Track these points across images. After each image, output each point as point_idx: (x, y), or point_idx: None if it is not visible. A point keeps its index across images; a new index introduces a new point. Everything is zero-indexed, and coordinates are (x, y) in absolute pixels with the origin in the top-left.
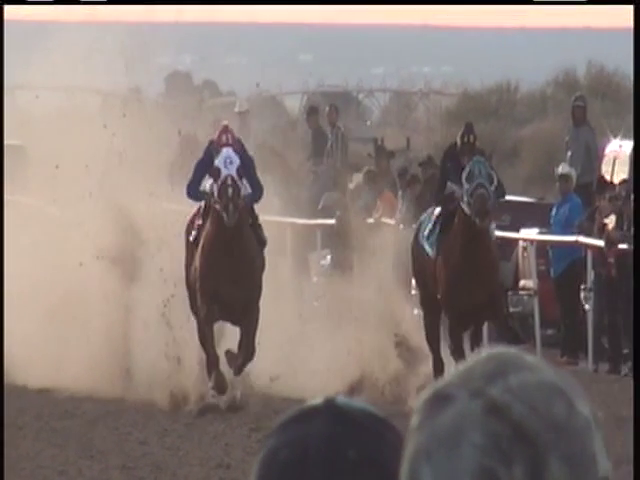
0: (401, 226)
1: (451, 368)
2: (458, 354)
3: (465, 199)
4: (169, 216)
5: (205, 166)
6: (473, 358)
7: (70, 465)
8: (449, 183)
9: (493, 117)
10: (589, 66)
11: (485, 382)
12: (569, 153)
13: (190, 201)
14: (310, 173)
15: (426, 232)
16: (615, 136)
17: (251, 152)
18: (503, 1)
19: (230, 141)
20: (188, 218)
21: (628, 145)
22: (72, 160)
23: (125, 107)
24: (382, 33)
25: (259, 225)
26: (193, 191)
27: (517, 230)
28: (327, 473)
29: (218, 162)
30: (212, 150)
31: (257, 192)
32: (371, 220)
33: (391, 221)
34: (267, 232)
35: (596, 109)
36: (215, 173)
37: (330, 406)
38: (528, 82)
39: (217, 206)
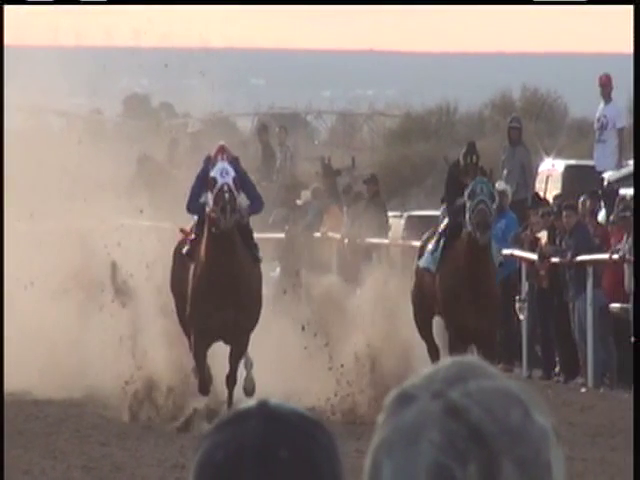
0: (346, 240)
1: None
2: None
3: (467, 215)
4: (129, 231)
5: (202, 182)
6: (439, 364)
7: (34, 465)
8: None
9: (433, 137)
10: (524, 89)
11: (446, 385)
12: (505, 171)
13: (149, 216)
14: (261, 190)
15: (429, 247)
16: (548, 155)
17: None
18: (504, 1)
19: (226, 159)
20: (180, 235)
21: (560, 164)
22: (38, 177)
23: (86, 127)
24: (329, 58)
25: (255, 244)
26: (193, 205)
27: None
28: (260, 472)
29: (214, 173)
30: (208, 168)
31: (256, 203)
32: (318, 234)
33: (337, 235)
34: None
35: (530, 130)
36: (211, 183)
37: (263, 408)
38: (466, 104)
39: (213, 214)
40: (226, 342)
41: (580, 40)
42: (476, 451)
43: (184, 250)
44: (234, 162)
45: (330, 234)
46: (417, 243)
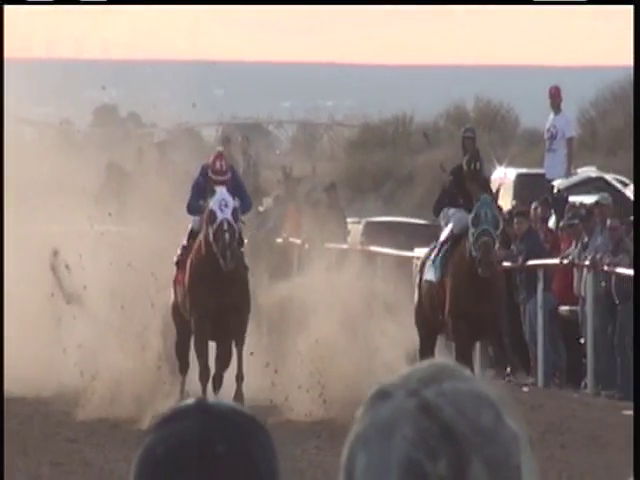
0: (306, 245)
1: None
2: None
3: (470, 241)
4: (98, 237)
5: (200, 187)
6: (416, 365)
7: (5, 462)
8: (451, 210)
9: (390, 146)
10: (477, 101)
11: (422, 385)
12: None
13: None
14: None
15: (431, 258)
16: (501, 164)
17: (170, 179)
18: (506, 1)
19: (225, 168)
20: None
21: (512, 172)
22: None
23: (57, 137)
24: (290, 69)
25: (242, 253)
26: (193, 207)
27: (411, 249)
28: (199, 467)
29: (213, 205)
30: (207, 175)
31: (245, 203)
32: (280, 240)
33: (297, 240)
34: None
35: (484, 140)
36: (210, 217)
37: (201, 405)
38: (422, 115)
39: (213, 249)
40: (221, 335)
41: (531, 53)
42: (447, 448)
43: (174, 258)
44: (233, 176)
45: (291, 239)
46: (375, 248)
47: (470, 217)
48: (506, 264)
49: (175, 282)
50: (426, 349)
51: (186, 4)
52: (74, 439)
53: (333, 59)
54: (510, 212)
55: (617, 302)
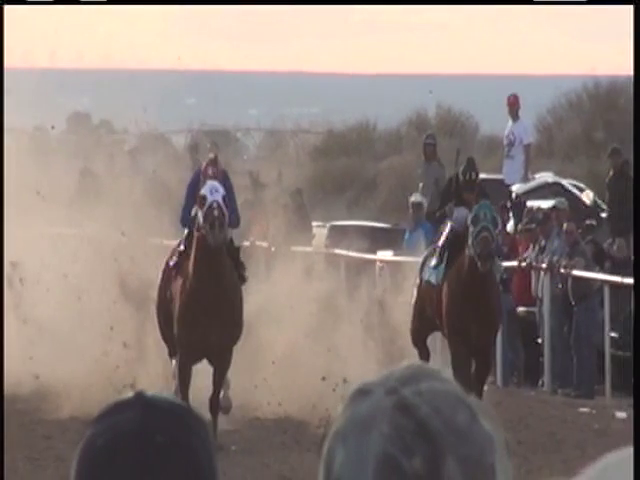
0: (273, 248)
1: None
2: (464, 383)
3: (470, 241)
4: (71, 240)
5: (192, 195)
6: (396, 366)
7: None
8: (455, 209)
9: (354, 153)
10: (438, 108)
11: (400, 384)
12: (421, 185)
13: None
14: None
15: (432, 264)
16: None
17: (141, 185)
18: (506, 2)
19: (217, 173)
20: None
21: None
22: None
23: (32, 144)
24: (257, 78)
25: (242, 263)
26: (184, 219)
27: (374, 252)
28: (138, 457)
29: (204, 191)
30: (199, 179)
31: (232, 217)
32: (247, 243)
33: (264, 244)
34: (162, 255)
35: (444, 146)
36: (201, 201)
37: (140, 398)
38: (385, 122)
39: (202, 231)
40: (210, 360)
41: (490, 63)
42: (422, 445)
43: (171, 262)
44: (223, 177)
45: (258, 243)
46: (339, 251)
47: (470, 218)
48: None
49: (165, 285)
50: (418, 339)
51: (179, 4)
52: (48, 436)
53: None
54: (427, 212)
55: (573, 303)
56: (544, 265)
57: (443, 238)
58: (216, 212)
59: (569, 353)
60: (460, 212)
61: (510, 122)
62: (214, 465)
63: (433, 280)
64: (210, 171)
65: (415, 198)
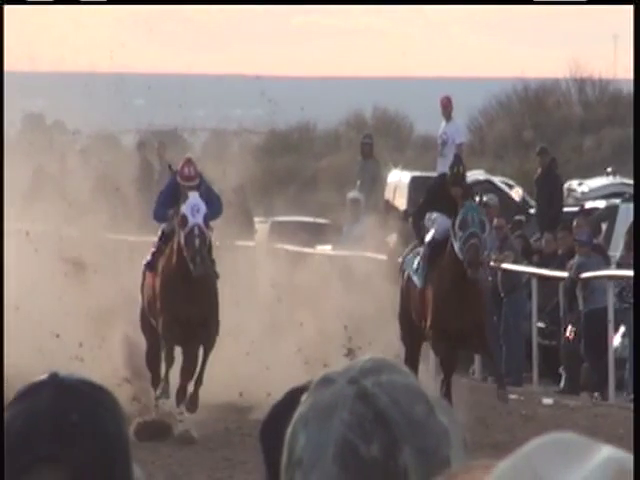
0: (217, 242)
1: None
2: (447, 382)
3: (457, 245)
4: (23, 236)
5: (167, 194)
6: (359, 358)
7: None
8: (435, 214)
9: (295, 152)
10: (375, 109)
11: (362, 375)
12: (358, 182)
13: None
14: (141, 199)
15: (414, 265)
16: (396, 167)
17: (92, 182)
18: (507, 1)
19: (193, 174)
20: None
21: (406, 175)
22: None
23: None
24: (202, 81)
25: (213, 260)
26: (159, 214)
27: (314, 246)
28: (54, 435)
29: (185, 210)
30: (176, 181)
31: (215, 207)
32: None
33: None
34: (114, 249)
35: (381, 145)
36: (182, 220)
37: (54, 379)
38: (324, 122)
39: (183, 253)
40: (194, 337)
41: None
42: (380, 433)
43: (144, 261)
44: (200, 178)
45: None
46: (281, 245)
47: (457, 221)
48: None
49: (144, 285)
50: (412, 355)
51: (177, 4)
52: None
53: (242, 71)
54: (405, 212)
55: (502, 295)
56: None
57: (425, 244)
58: (197, 241)
59: (498, 342)
60: (442, 221)
61: (443, 122)
62: (126, 440)
63: (416, 280)
64: (187, 171)
65: (353, 195)
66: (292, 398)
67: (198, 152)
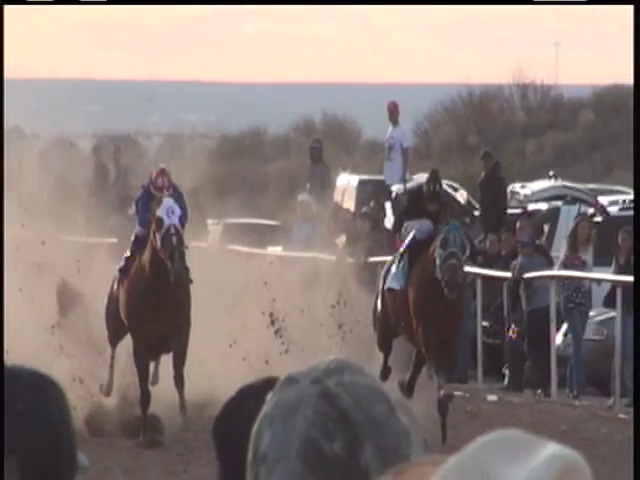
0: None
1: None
2: (410, 384)
3: (438, 263)
4: None
5: (145, 201)
6: (323, 358)
7: None
8: (409, 222)
9: (247, 156)
10: (324, 115)
11: (325, 375)
12: (308, 185)
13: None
14: (95, 202)
15: (392, 268)
16: (345, 171)
17: (50, 185)
18: (507, 1)
19: (167, 184)
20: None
21: (355, 179)
22: None
23: None
24: (157, 87)
25: (187, 267)
26: (141, 220)
27: (265, 247)
28: (1, 424)
29: (160, 212)
30: (149, 191)
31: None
32: None
33: None
34: (70, 250)
35: (330, 150)
36: (158, 223)
37: (1, 369)
38: (275, 127)
39: (160, 255)
40: (167, 342)
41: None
42: (342, 432)
43: (118, 266)
44: (173, 188)
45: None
46: (233, 247)
47: (438, 240)
48: (350, 260)
49: (118, 289)
50: (385, 348)
51: (177, 4)
52: None
53: (196, 77)
54: (354, 213)
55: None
56: None
57: (404, 246)
58: (174, 239)
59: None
60: (423, 224)
61: (390, 127)
62: (71, 429)
63: (396, 286)
64: (160, 181)
65: (302, 197)
66: (243, 395)
67: (152, 156)
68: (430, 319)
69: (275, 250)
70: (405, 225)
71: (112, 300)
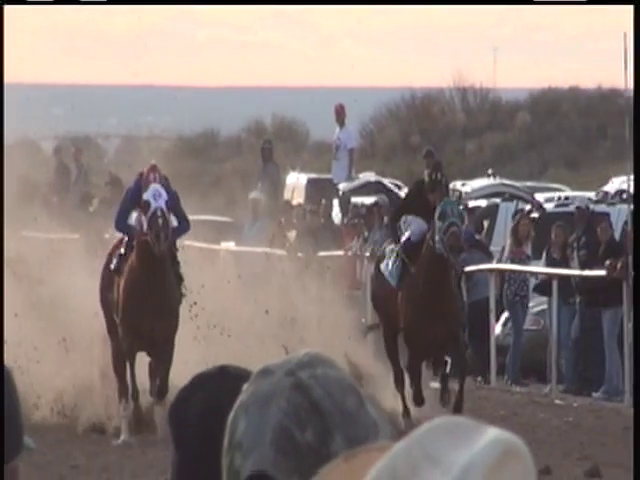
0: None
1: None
2: (416, 385)
3: (437, 237)
4: None
5: (132, 200)
6: (296, 352)
7: None
8: (410, 217)
9: (201, 156)
10: (274, 117)
11: (298, 367)
12: (259, 183)
13: None
14: (57, 200)
15: (389, 264)
16: (294, 170)
17: (14, 185)
18: (507, 1)
19: (158, 180)
20: (110, 248)
21: (303, 177)
22: None
23: None
24: (115, 91)
25: (177, 262)
26: (121, 224)
27: (219, 243)
28: None
29: (147, 196)
30: (140, 185)
31: (183, 224)
32: (107, 235)
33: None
34: (35, 246)
35: (279, 150)
36: (145, 206)
37: None
38: (228, 129)
39: (147, 237)
40: (153, 351)
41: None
42: (314, 421)
43: (112, 265)
44: (165, 183)
45: (118, 235)
46: (188, 242)
47: (436, 214)
48: (300, 254)
49: (108, 288)
50: (388, 332)
51: (177, 4)
52: None
53: (152, 82)
54: (303, 210)
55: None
56: (367, 254)
57: (400, 244)
58: (161, 220)
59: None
60: (417, 224)
61: (337, 129)
62: (19, 415)
63: (392, 282)
64: (151, 177)
65: (254, 195)
66: (196, 382)
67: (112, 157)
68: (419, 327)
69: (228, 246)
70: (403, 219)
71: (105, 301)
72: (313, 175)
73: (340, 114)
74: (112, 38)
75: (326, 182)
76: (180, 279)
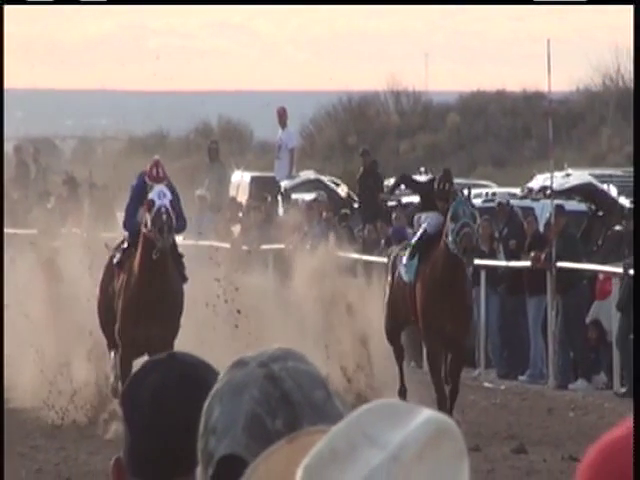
0: (85, 234)
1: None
2: (436, 376)
3: (450, 238)
4: None
5: (138, 196)
6: (268, 347)
7: None
8: (423, 215)
9: (151, 156)
10: (220, 119)
11: (271, 360)
12: (206, 181)
13: None
14: (16, 198)
15: (404, 259)
16: (238, 169)
17: None
18: (509, 1)
19: (162, 174)
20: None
21: (247, 175)
22: None
23: None
24: (71, 95)
25: (182, 263)
26: (129, 223)
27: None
28: None
29: (152, 195)
30: (145, 182)
31: (181, 223)
32: (64, 230)
33: (78, 231)
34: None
35: (225, 150)
36: (149, 204)
37: None
38: (176, 130)
39: (151, 234)
40: (151, 355)
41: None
42: (284, 411)
43: (115, 259)
44: (168, 181)
45: (74, 230)
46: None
47: (449, 215)
48: (245, 248)
49: (108, 282)
50: (393, 335)
51: (178, 4)
52: None
53: (104, 86)
54: (247, 206)
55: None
56: (308, 247)
57: (416, 238)
58: (164, 217)
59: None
60: (434, 217)
61: (279, 130)
62: None
63: (406, 278)
64: (155, 172)
65: (200, 192)
66: (148, 367)
67: (68, 156)
68: (436, 318)
69: (177, 239)
70: (417, 217)
71: (105, 295)
72: (257, 173)
73: (282, 116)
74: (65, 46)
75: (269, 180)
76: (183, 279)
